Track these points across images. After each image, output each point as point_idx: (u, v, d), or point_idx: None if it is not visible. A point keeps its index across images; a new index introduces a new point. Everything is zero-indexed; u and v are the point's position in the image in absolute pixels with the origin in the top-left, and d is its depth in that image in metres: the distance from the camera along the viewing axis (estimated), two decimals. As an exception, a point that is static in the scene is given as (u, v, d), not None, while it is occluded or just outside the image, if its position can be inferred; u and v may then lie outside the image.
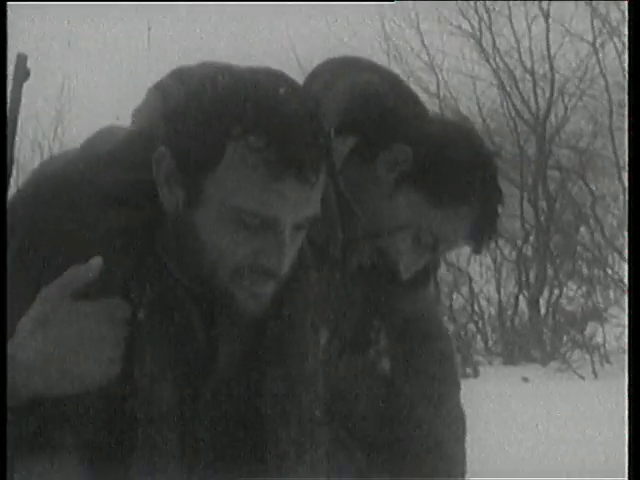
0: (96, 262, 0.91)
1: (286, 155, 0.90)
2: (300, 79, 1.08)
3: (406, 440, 1.22)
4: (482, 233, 1.24)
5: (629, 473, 1.07)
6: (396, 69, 11.54)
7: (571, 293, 10.83)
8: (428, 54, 11.48)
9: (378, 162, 1.19)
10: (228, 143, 0.91)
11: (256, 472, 1.01)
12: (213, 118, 0.92)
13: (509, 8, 11.15)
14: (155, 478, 0.96)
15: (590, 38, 10.86)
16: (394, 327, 1.22)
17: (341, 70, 1.21)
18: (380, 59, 11.68)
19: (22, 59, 1.02)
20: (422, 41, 11.50)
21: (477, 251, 1.28)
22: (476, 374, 9.14)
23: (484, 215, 1.22)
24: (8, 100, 1.00)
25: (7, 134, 0.98)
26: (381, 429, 1.21)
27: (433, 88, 11.44)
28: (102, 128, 1.06)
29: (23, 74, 1.01)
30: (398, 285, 1.22)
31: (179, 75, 1.05)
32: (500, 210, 1.24)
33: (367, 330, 1.19)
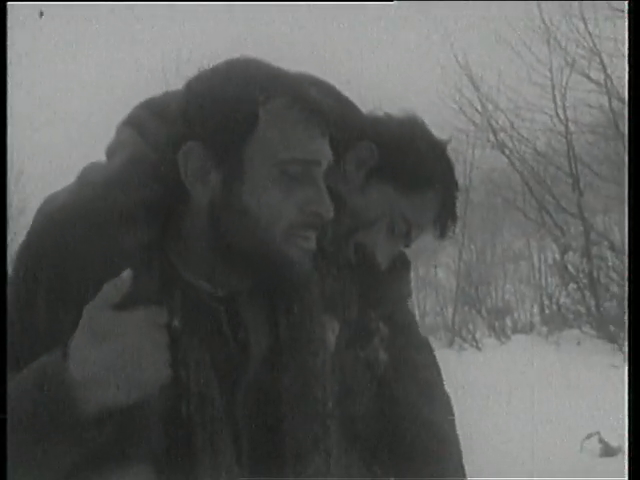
0: (127, 274, 0.97)
1: (309, 108, 1.05)
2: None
3: (404, 429, 1.31)
4: (445, 218, 1.36)
5: (629, 473, 1.13)
6: (557, 59, 11.12)
7: None
8: (593, 41, 10.80)
9: (347, 161, 1.28)
10: (259, 109, 1.03)
11: (276, 465, 1.09)
12: (238, 94, 1.04)
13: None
14: (219, 476, 1.03)
15: None
16: (384, 316, 1.31)
17: None
18: (540, 49, 11.11)
19: None
20: (585, 27, 10.83)
21: (442, 236, 1.38)
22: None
23: (445, 200, 1.34)
24: None
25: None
26: (379, 419, 1.28)
27: (595, 76, 10.84)
28: (87, 165, 1.13)
29: None
30: (381, 274, 1.33)
31: (148, 107, 1.17)
32: (457, 197, 1.36)
33: (367, 321, 1.28)
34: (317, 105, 1.06)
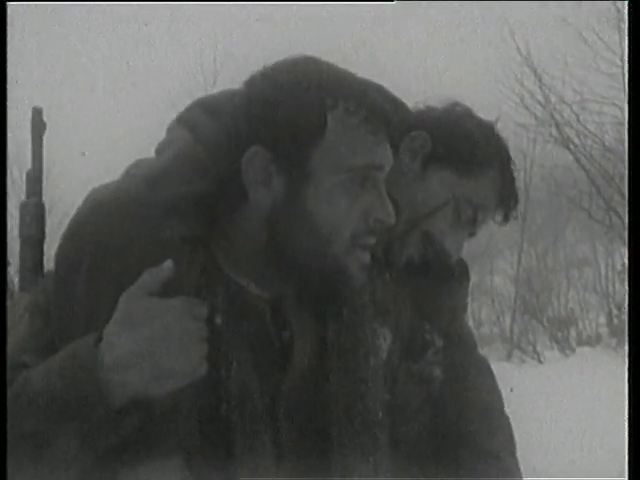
0: (168, 264, 1.01)
1: (375, 113, 1.09)
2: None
3: (457, 453, 1.31)
4: (508, 198, 1.41)
5: (629, 473, 1.17)
6: None
7: None
8: None
9: (401, 152, 1.31)
10: (328, 114, 1.07)
11: (319, 473, 1.11)
12: (306, 98, 1.07)
13: None
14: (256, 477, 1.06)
15: None
16: (440, 329, 1.32)
17: None
18: (609, 34, 11.07)
19: (38, 113, 1.20)
20: None
21: (506, 219, 1.43)
22: None
23: (505, 179, 1.41)
24: (30, 151, 1.19)
25: (34, 180, 1.20)
26: (433, 441, 1.29)
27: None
28: (134, 161, 1.19)
29: (40, 127, 1.20)
30: (445, 276, 1.38)
31: (202, 105, 1.22)
32: (516, 175, 1.43)
33: (421, 332, 1.29)
34: (381, 110, 1.10)
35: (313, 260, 1.08)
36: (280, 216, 1.08)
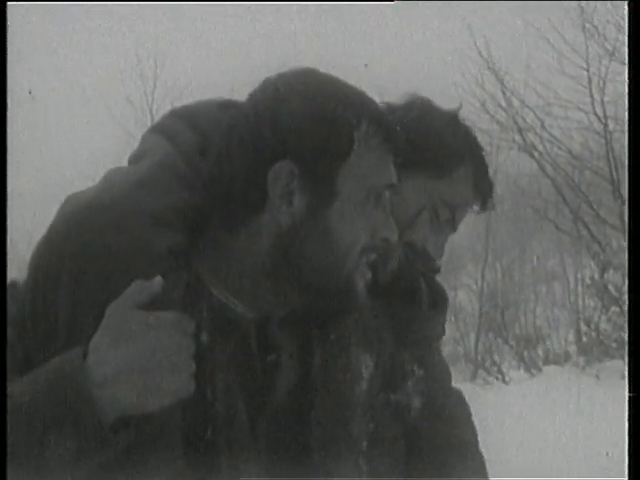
0: (158, 280, 1.04)
1: (393, 134, 1.17)
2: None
3: None
4: (483, 189, 1.47)
5: (629, 473, 1.22)
6: (595, 46, 11.22)
7: None
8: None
9: None
10: (354, 133, 1.13)
11: None
12: (337, 114, 1.13)
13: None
14: None
15: None
16: (418, 358, 1.35)
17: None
18: (574, 35, 11.21)
19: None
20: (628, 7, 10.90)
21: (484, 209, 1.49)
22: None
23: (478, 169, 1.45)
24: None
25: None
26: (407, 474, 1.31)
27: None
28: (111, 168, 1.21)
29: None
30: (425, 302, 1.43)
31: (180, 116, 1.26)
32: (487, 163, 1.47)
33: (402, 362, 1.32)
34: (395, 131, 1.17)
35: (327, 277, 1.13)
36: (298, 233, 1.12)
